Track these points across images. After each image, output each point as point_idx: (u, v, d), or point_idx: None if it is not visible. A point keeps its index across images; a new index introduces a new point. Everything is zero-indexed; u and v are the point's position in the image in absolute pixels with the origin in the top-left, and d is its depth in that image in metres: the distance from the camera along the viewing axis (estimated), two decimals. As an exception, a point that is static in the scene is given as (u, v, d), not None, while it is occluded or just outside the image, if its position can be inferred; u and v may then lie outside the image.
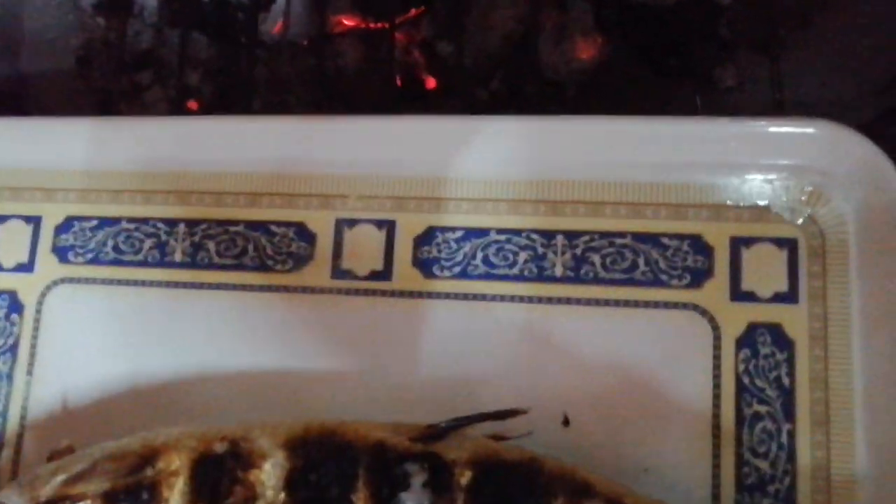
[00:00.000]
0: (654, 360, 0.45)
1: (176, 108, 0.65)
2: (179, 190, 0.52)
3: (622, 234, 0.48)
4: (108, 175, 0.53)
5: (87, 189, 0.53)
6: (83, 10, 0.70)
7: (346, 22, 0.65)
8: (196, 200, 0.52)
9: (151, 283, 0.51)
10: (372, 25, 0.65)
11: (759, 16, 0.62)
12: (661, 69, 0.62)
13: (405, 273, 0.49)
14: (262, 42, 0.65)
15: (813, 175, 0.46)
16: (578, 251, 0.48)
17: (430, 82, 0.64)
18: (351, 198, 0.50)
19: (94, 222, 0.52)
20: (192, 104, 0.66)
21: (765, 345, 0.45)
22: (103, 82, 0.68)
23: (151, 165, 0.52)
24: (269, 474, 0.39)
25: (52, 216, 0.53)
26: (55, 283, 0.52)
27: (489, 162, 0.49)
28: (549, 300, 0.47)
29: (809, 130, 0.46)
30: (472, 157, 0.49)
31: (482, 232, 0.49)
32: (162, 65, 0.68)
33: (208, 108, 0.66)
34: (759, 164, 0.47)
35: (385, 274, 0.49)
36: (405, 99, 0.64)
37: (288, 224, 0.51)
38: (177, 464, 0.40)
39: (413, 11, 0.63)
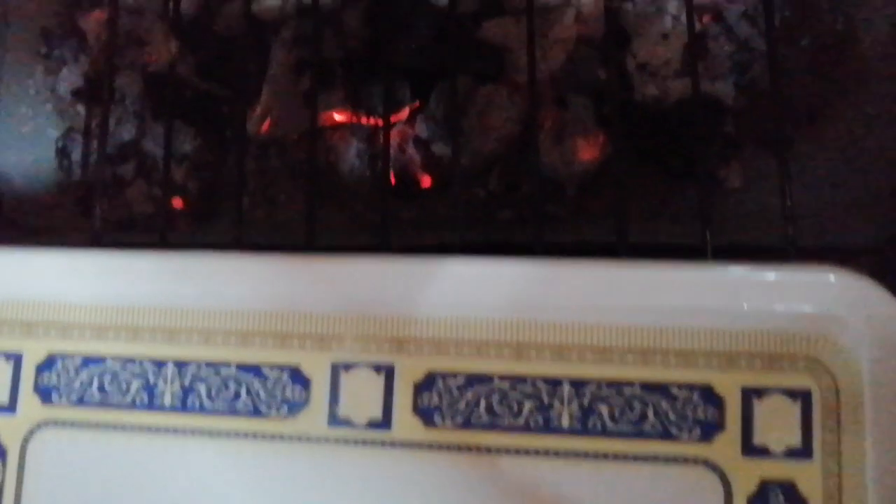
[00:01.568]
0: (663, 519, 0.44)
1: (160, 207, 0.62)
2: (167, 327, 0.50)
3: (630, 383, 0.46)
4: (92, 310, 0.50)
5: (70, 324, 0.51)
6: (61, 97, 0.67)
7: (337, 117, 0.62)
8: (185, 339, 0.50)
9: (139, 428, 0.49)
10: (364, 121, 0.62)
11: (765, 112, 0.60)
12: (664, 169, 0.60)
13: (406, 421, 0.47)
14: (249, 137, 0.62)
15: (827, 323, 0.45)
16: (585, 401, 0.46)
17: (426, 180, 0.62)
18: (347, 339, 0.48)
19: (78, 360, 0.50)
20: (177, 202, 0.63)
21: (779, 505, 0.44)
22: (84, 175, 0.65)
23: (137, 300, 0.50)
24: None
25: (34, 353, 0.51)
26: (39, 426, 0.50)
27: (492, 304, 0.47)
28: (556, 454, 0.46)
29: (824, 278, 0.45)
30: (474, 299, 0.47)
31: (485, 378, 0.47)
32: (145, 157, 0.65)
33: (194, 207, 0.63)
34: (772, 311, 0.45)
35: (384, 422, 0.47)
36: (399, 197, 0.62)
37: (281, 367, 0.49)
38: None
39: (408, 109, 0.61)
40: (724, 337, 0.46)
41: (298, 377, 0.48)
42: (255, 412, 0.48)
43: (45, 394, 0.50)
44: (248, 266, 0.49)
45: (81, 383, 0.50)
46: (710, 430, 0.45)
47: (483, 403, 0.47)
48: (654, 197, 0.60)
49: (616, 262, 0.47)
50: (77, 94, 0.67)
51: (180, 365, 0.49)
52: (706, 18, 0.62)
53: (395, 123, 0.61)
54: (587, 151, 0.60)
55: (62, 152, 0.66)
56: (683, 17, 0.58)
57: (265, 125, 0.62)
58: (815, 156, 0.60)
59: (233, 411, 0.48)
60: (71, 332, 0.51)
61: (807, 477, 0.44)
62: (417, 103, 0.61)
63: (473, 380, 0.47)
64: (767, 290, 0.45)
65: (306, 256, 0.49)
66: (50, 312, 0.51)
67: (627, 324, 0.46)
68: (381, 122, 0.59)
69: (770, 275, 0.45)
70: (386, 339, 0.48)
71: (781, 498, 0.44)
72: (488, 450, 0.46)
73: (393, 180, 0.62)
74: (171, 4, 0.63)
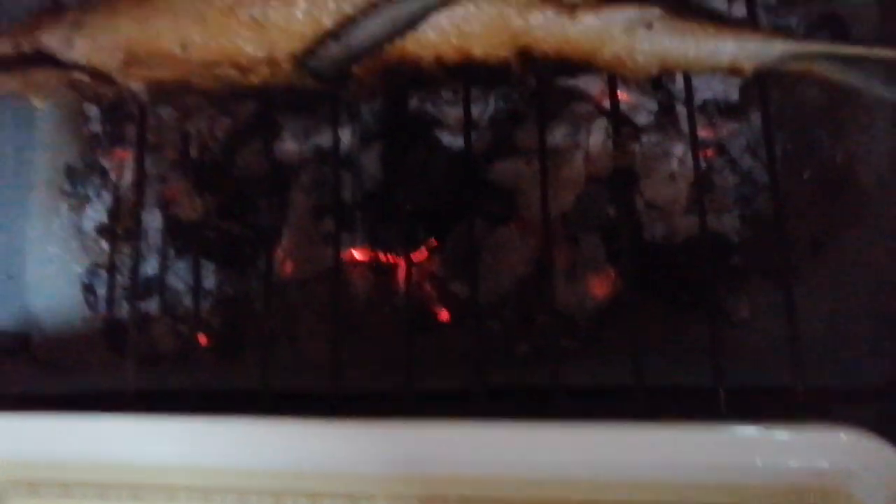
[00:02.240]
0: None
1: (185, 343, 0.64)
2: (202, 487, 0.51)
3: (647, 543, 0.47)
4: (128, 470, 0.52)
5: (107, 484, 0.52)
6: (86, 234, 0.69)
7: (356, 255, 0.64)
8: (220, 499, 0.51)
9: (177, 590, 0.50)
10: (383, 258, 0.64)
11: (769, 244, 0.62)
12: (674, 303, 0.62)
13: (435, 581, 0.48)
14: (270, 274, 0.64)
15: (839, 478, 0.46)
16: (608, 560, 0.47)
17: (443, 315, 0.64)
18: (379, 498, 0.50)
19: (116, 522, 0.52)
20: (202, 338, 0.65)
21: None
22: (109, 311, 0.67)
23: (172, 461, 0.51)
24: None
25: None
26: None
27: (514, 464, 0.49)
28: None
29: (834, 437, 0.46)
30: (497, 460, 0.49)
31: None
32: (169, 292, 0.67)
33: (218, 342, 0.65)
34: (785, 468, 0.47)
35: (416, 581, 0.49)
36: (417, 330, 0.63)
37: (314, 528, 0.50)
38: None
39: (425, 250, 0.63)
40: (739, 492, 0.48)
41: (331, 537, 0.50)
42: (289, 574, 0.50)
43: (84, 556, 0.52)
44: (280, 430, 0.51)
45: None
46: (729, 587, 0.46)
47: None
48: (665, 330, 0.62)
49: (634, 425, 0.48)
50: (101, 230, 0.69)
51: (216, 526, 0.51)
52: (710, 152, 0.65)
53: (415, 262, 0.63)
54: (599, 288, 0.62)
55: (88, 289, 0.68)
56: (689, 159, 0.60)
57: (287, 267, 0.64)
58: (820, 285, 0.62)
59: (267, 573, 0.50)
60: (108, 493, 0.52)
61: None
62: (434, 242, 0.63)
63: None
64: (780, 448, 0.47)
65: (337, 423, 0.51)
66: (86, 473, 0.52)
67: (645, 480, 0.48)
68: (398, 260, 0.61)
69: (782, 434, 0.47)
70: (417, 496, 0.49)
71: None
72: None
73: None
74: (188, 146, 0.66)
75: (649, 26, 0.49)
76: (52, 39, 0.52)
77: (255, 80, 0.51)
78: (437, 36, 0.48)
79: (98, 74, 0.53)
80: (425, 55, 0.49)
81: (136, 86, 0.53)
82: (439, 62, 0.50)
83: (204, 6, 0.50)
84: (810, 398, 0.53)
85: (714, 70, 0.50)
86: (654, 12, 0.49)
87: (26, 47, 0.53)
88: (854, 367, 0.59)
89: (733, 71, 0.50)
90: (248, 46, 0.49)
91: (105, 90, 0.54)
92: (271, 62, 0.50)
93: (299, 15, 0.48)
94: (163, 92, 0.54)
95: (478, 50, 0.49)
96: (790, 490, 0.48)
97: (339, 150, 0.60)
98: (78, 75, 0.53)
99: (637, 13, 0.49)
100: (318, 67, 0.50)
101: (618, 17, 0.49)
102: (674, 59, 0.49)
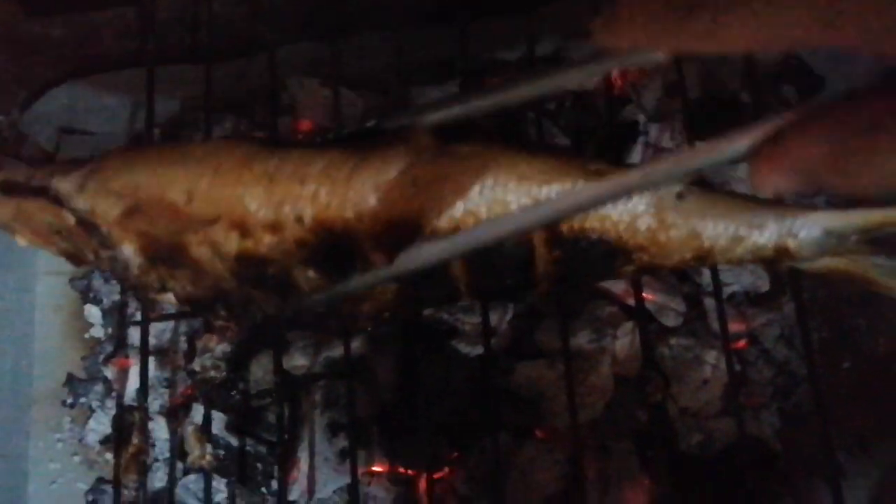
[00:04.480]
0: None
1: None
2: None
3: None
4: None
5: None
6: (89, 447, 0.66)
7: (375, 468, 0.61)
8: None
9: None
10: (402, 471, 0.61)
11: (813, 440, 0.58)
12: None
13: None
14: (283, 496, 0.60)
15: None
16: None
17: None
18: None
19: None
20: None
21: None
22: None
23: None
24: None
25: None
26: None
27: None
28: None
29: None
30: None
31: None
32: (177, 509, 0.63)
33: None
34: None
35: None
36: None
37: None
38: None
39: (447, 470, 0.59)
40: None
41: None
42: None
43: None
44: None
45: None
46: None
47: None
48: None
49: None
50: (105, 442, 0.66)
51: None
52: (742, 343, 0.61)
53: (436, 480, 0.59)
54: (635, 499, 0.58)
55: (93, 506, 0.65)
56: (722, 362, 0.57)
57: (304, 487, 0.61)
58: (869, 484, 0.58)
59: None
60: None
61: None
62: (456, 454, 0.60)
63: None
64: None
65: None
66: None
67: None
68: (417, 473, 0.57)
69: None
70: None
71: None
72: None
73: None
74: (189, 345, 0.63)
75: (680, 196, 0.44)
76: (64, 183, 0.49)
77: (252, 246, 0.46)
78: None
79: (92, 226, 0.50)
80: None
81: (128, 248, 0.50)
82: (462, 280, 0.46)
83: (223, 156, 0.47)
84: None
85: (754, 255, 0.45)
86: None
87: (36, 182, 0.50)
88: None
89: (778, 252, 0.44)
90: (253, 203, 0.45)
91: (92, 248, 0.51)
92: (275, 226, 0.46)
93: (313, 172, 0.44)
94: (156, 257, 0.50)
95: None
96: None
97: (351, 366, 0.57)
98: (69, 219, 0.50)
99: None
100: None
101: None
102: (709, 239, 0.44)
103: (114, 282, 0.70)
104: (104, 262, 0.51)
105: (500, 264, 0.45)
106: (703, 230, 0.44)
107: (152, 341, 0.67)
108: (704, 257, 0.44)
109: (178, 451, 0.64)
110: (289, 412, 0.62)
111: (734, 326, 0.61)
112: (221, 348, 0.63)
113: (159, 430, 0.65)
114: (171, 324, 0.67)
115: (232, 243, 0.47)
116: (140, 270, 0.50)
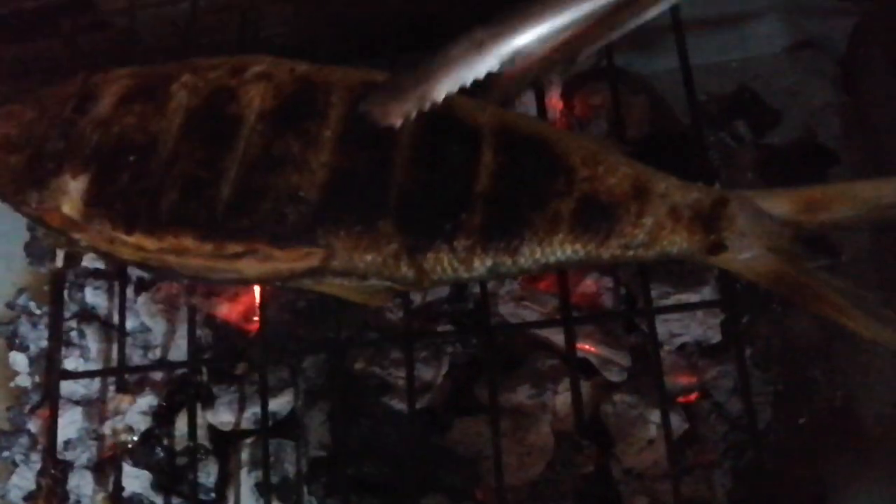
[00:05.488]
0: None
1: None
2: None
3: None
4: None
5: None
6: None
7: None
8: None
9: None
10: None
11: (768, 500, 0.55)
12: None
13: None
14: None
15: None
16: None
17: None
18: None
19: None
20: None
21: None
22: None
23: None
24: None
25: None
26: None
27: None
28: None
29: None
30: None
31: None
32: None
33: None
34: None
35: None
36: None
37: None
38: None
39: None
40: None
41: None
42: None
43: None
44: None
45: None
46: None
47: None
48: None
49: None
50: (30, 498, 0.63)
51: None
52: (692, 396, 0.58)
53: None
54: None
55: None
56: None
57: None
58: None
59: None
60: None
61: None
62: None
63: None
64: None
65: None
66: None
67: None
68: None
69: None
70: None
71: None
72: None
73: None
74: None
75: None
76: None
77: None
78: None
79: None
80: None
81: None
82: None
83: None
84: None
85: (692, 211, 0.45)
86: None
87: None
88: None
89: (715, 210, 0.44)
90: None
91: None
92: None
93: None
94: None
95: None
96: None
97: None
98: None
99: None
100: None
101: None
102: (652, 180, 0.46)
103: (42, 326, 0.67)
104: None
105: (444, 154, 0.46)
106: (647, 174, 0.46)
107: (81, 391, 0.64)
108: (643, 196, 0.45)
109: (104, 509, 0.62)
110: (217, 470, 0.58)
111: (683, 379, 0.58)
112: (138, 408, 0.60)
113: (85, 485, 0.62)
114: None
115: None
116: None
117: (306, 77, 0.49)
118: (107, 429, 0.60)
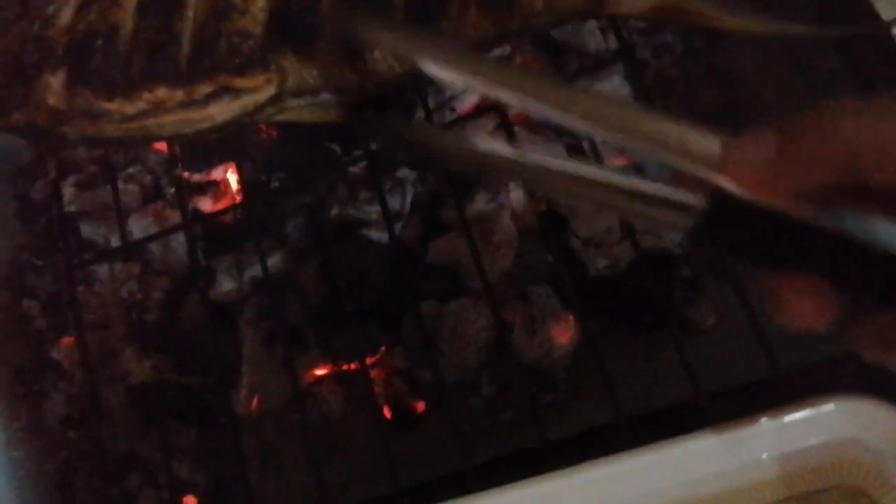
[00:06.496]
0: None
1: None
2: None
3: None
4: None
5: None
6: (51, 427, 0.68)
7: (318, 372, 0.64)
8: None
9: None
10: (345, 367, 0.64)
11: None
12: (638, 328, 0.62)
13: None
14: (241, 418, 0.63)
15: (846, 449, 0.45)
16: None
17: (420, 406, 0.63)
18: None
19: None
20: (190, 500, 0.63)
21: None
22: (93, 500, 0.65)
23: None
24: None
25: None
26: None
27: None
28: None
29: (824, 411, 0.45)
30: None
31: None
32: (147, 463, 0.65)
33: (207, 499, 0.63)
34: (790, 453, 0.46)
35: None
36: (398, 430, 0.62)
37: None
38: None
39: (383, 347, 0.62)
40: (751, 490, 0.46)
41: None
42: None
43: None
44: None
45: None
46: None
47: None
48: (636, 357, 0.61)
49: (623, 456, 0.47)
50: (66, 421, 0.68)
51: None
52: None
53: (374, 364, 0.62)
54: (563, 335, 0.61)
55: (62, 487, 0.66)
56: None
57: (254, 403, 0.63)
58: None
59: None
60: None
61: None
62: (392, 339, 0.63)
63: None
64: (777, 436, 0.46)
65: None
66: None
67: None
68: (358, 366, 0.60)
69: (769, 424, 0.46)
70: None
71: None
72: None
73: (389, 415, 0.63)
74: (133, 315, 0.66)
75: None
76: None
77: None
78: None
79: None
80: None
81: None
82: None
83: None
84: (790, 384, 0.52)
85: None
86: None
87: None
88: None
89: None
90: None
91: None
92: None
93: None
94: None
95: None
96: (801, 475, 0.46)
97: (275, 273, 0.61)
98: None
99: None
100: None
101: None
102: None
103: (48, 274, 0.73)
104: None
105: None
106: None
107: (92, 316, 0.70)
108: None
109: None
110: (226, 338, 0.64)
111: (618, 161, 0.66)
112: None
113: (117, 396, 0.68)
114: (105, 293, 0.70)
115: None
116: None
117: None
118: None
